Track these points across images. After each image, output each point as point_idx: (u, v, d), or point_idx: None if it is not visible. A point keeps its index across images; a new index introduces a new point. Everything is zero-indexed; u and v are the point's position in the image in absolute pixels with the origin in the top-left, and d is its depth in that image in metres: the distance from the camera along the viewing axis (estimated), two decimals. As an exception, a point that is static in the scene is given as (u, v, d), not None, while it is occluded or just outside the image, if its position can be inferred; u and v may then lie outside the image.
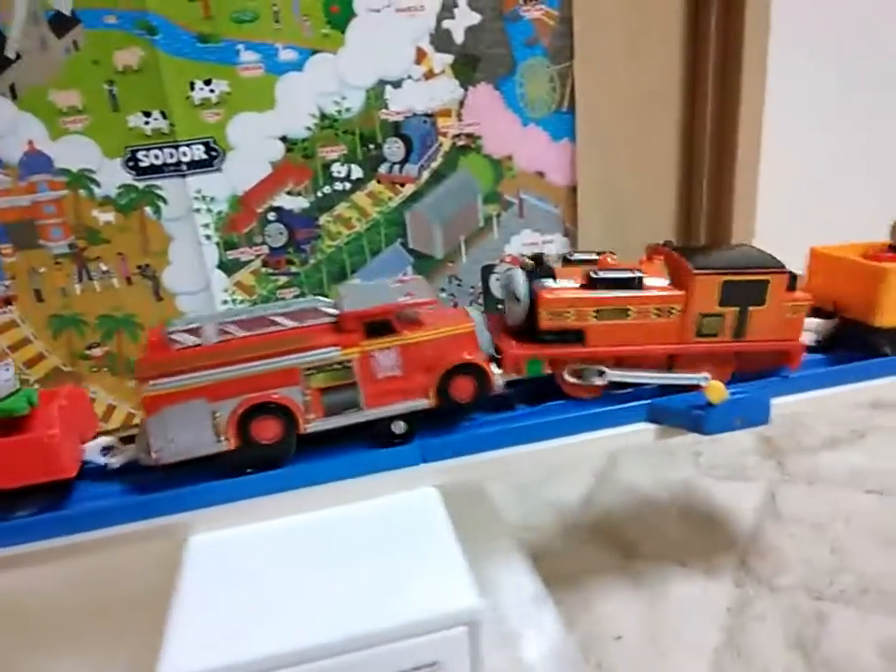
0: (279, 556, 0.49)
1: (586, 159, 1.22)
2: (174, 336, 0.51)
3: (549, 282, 0.57)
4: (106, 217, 1.04)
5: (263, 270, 1.13)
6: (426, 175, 1.16)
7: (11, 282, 1.04)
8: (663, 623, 0.76)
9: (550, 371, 0.58)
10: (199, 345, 0.51)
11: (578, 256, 0.61)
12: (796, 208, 1.27)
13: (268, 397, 0.51)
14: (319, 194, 1.12)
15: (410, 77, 1.11)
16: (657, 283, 0.58)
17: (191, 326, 0.52)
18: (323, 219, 1.14)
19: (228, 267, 1.11)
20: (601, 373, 0.57)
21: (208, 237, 1.09)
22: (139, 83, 1.00)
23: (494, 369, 0.55)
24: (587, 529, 0.91)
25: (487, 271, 0.63)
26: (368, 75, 1.09)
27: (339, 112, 1.09)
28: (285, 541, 0.50)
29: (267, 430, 0.51)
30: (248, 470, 0.52)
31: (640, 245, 0.64)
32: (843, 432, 1.03)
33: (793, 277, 0.58)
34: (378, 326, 0.52)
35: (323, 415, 0.52)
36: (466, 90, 1.14)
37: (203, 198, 1.07)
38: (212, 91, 1.03)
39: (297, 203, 1.12)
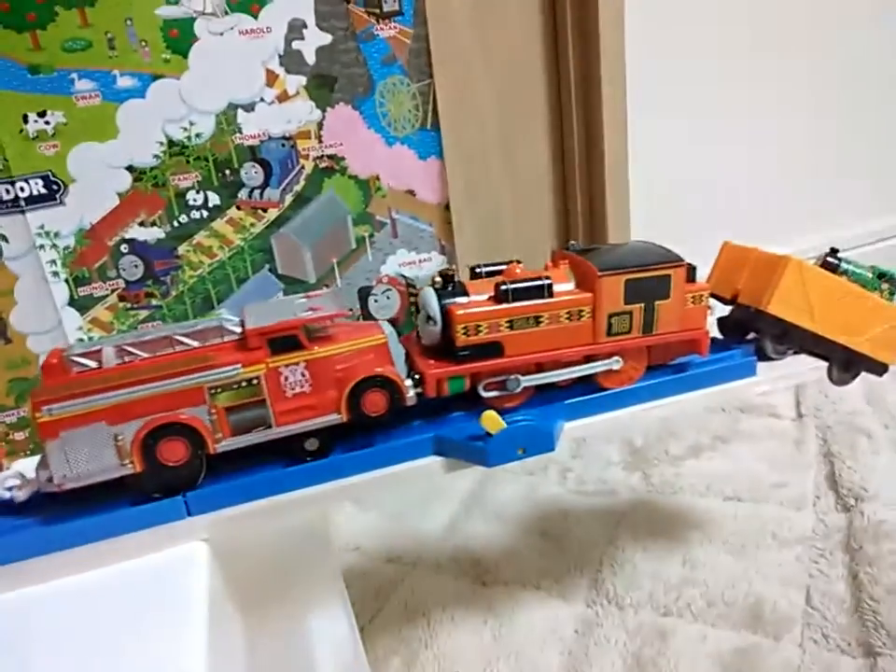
0: None
1: (456, 175, 1.21)
2: (73, 359, 0.50)
3: (460, 298, 0.57)
4: (-59, 258, 0.99)
5: (121, 304, 1.09)
6: (289, 198, 1.14)
7: None
8: (506, 654, 0.74)
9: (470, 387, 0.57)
10: (98, 368, 0.50)
11: (485, 269, 0.61)
12: (668, 209, 1.28)
13: (172, 417, 0.50)
14: (175, 223, 1.08)
15: (262, 99, 1.08)
16: (564, 287, 0.58)
17: (91, 349, 0.51)
18: (182, 249, 1.10)
19: (80, 304, 1.07)
20: (518, 382, 0.57)
21: (56, 274, 1.04)
22: (-32, 119, 0.96)
23: (408, 382, 0.55)
24: (447, 557, 0.89)
25: (365, 292, 0.62)
26: (216, 98, 1.06)
27: (188, 138, 1.05)
28: (9, 621, 0.46)
29: (173, 452, 0.51)
30: (156, 495, 0.51)
31: (518, 256, 0.63)
32: (707, 439, 1.03)
33: (692, 269, 0.59)
34: (283, 341, 0.51)
35: (231, 434, 0.52)
36: (324, 111, 1.11)
37: (47, 233, 1.02)
38: (47, 122, 0.99)
39: (151, 234, 1.08)
